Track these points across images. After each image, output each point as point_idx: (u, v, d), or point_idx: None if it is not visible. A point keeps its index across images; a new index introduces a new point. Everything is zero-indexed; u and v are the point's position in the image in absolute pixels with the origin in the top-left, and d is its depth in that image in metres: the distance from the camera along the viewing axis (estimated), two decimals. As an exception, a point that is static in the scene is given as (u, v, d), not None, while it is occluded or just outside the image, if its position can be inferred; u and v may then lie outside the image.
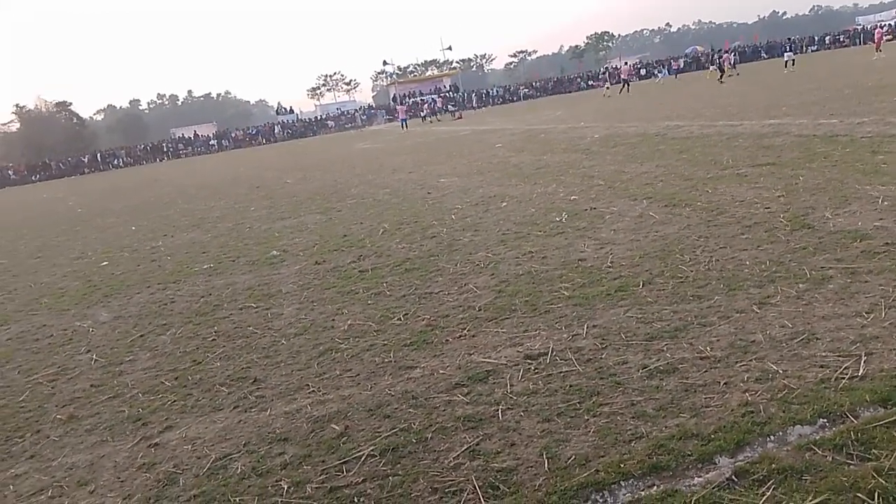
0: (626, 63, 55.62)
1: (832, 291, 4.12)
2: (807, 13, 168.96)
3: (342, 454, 3.15)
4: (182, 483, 3.15)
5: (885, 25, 65.40)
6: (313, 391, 3.94)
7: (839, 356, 3.29)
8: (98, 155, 71.89)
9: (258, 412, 3.78)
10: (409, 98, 72.26)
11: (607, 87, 46.71)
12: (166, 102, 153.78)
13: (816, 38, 73.68)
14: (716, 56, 50.66)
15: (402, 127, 44.50)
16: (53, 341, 5.96)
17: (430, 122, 50.50)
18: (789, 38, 59.10)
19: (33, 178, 65.78)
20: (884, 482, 2.30)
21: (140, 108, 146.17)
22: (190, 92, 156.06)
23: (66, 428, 4.02)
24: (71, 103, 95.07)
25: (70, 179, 57.37)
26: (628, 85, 43.60)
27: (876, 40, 39.05)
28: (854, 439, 2.58)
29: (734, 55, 50.49)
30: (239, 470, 3.17)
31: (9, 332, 6.50)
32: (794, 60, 37.80)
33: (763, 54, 72.76)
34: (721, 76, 36.54)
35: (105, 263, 9.54)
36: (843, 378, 3.07)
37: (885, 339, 3.38)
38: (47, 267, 10.13)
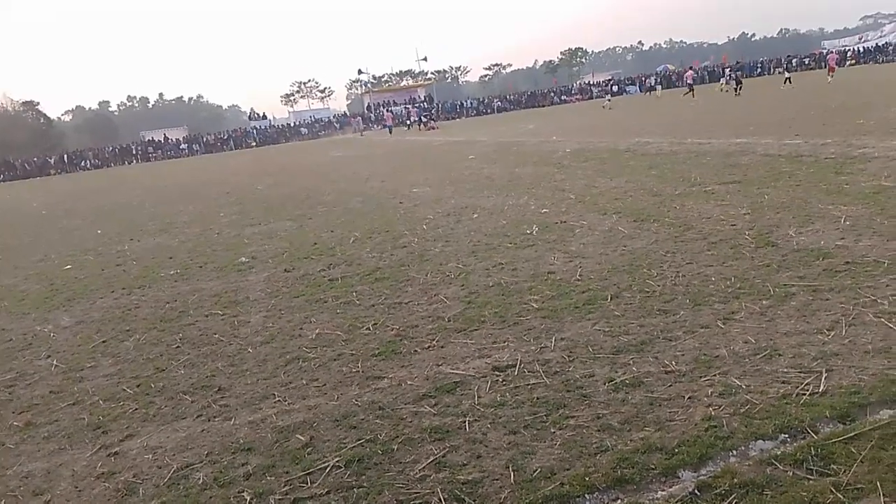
0: (690, 68, 55.20)
1: (795, 308, 4.20)
2: (775, 35, 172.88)
3: (307, 465, 3.12)
4: (142, 493, 3.09)
5: (847, 49, 67.12)
6: (279, 401, 3.90)
7: (801, 372, 3.35)
8: (65, 156, 70.54)
9: (222, 421, 3.73)
10: (386, 108, 72.33)
11: (608, 99, 47.17)
12: (136, 105, 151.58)
13: (783, 60, 75.41)
14: (727, 71, 50.86)
15: (389, 132, 48.42)
16: (12, 346, 5.81)
17: (410, 129, 51.55)
18: (788, 56, 59.63)
19: (-3, 178, 64.29)
20: (842, 497, 2.34)
21: (110, 109, 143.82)
22: (161, 95, 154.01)
23: (22, 435, 3.91)
24: (38, 103, 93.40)
25: (36, 180, 56.21)
26: (693, 89, 42.79)
27: (829, 66, 40.15)
28: (814, 454, 2.62)
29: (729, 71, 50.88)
30: (201, 480, 3.12)
31: (-35, 336, 6.32)
32: (789, 78, 38.18)
33: (731, 75, 74.17)
34: (738, 89, 36.27)
35: (68, 267, 9.35)
36: (805, 394, 3.12)
37: (845, 356, 3.45)
38: (8, 269, 9.89)
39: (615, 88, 76.67)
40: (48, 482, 3.32)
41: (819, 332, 3.79)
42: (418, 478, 2.89)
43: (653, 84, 65.09)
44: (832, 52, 57.66)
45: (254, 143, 69.92)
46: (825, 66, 44.26)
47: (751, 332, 3.93)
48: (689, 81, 44.24)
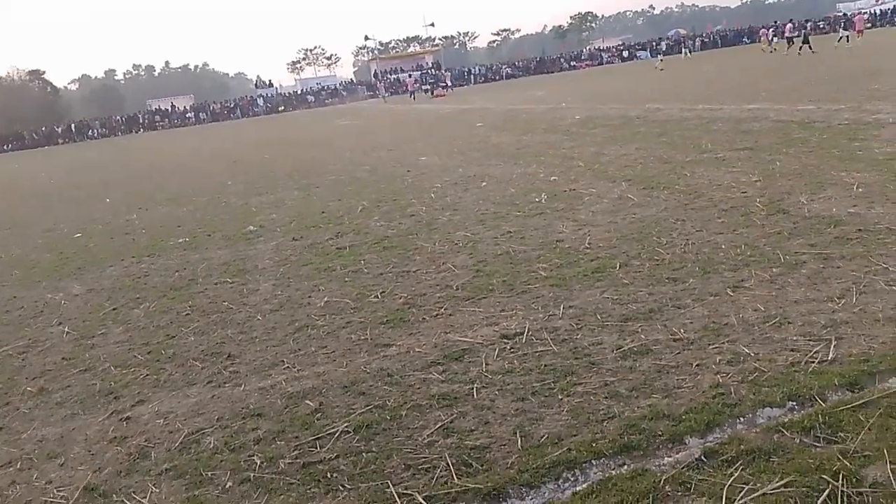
0: (790, 20, 49.93)
1: (805, 276, 4.17)
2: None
3: (316, 430, 3.15)
4: (154, 457, 3.13)
5: (864, 12, 65.41)
6: (288, 367, 3.92)
7: (810, 340, 3.34)
8: (72, 126, 70.42)
9: (232, 388, 3.76)
10: (408, 73, 71.61)
11: (660, 59, 44.10)
12: (142, 73, 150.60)
13: (797, 24, 74.07)
14: (771, 30, 47.13)
15: (411, 97, 48.89)
16: (24, 313, 5.87)
17: (430, 96, 50.29)
18: (844, 14, 54.73)
19: (5, 147, 64.39)
20: (849, 464, 2.34)
21: (116, 78, 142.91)
22: (167, 63, 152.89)
23: (36, 401, 3.97)
24: (44, 72, 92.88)
25: (43, 150, 56.25)
26: (791, 42, 38.20)
27: (857, 28, 38.64)
28: (822, 422, 2.62)
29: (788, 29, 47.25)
30: (212, 445, 3.16)
31: (-22, 304, 6.38)
32: (848, 37, 35.99)
33: (745, 39, 73.00)
34: (805, 46, 33.10)
35: (78, 236, 9.40)
36: (814, 362, 3.11)
37: (854, 325, 3.43)
38: (18, 239, 9.95)
39: (626, 54, 75.55)
40: (62, 446, 3.37)
41: (829, 300, 3.77)
42: (426, 443, 2.92)
43: (681, 47, 61.87)
44: (857, 12, 53.99)
45: (245, 114, 69.33)
46: (841, 29, 42.17)
47: (760, 300, 3.91)
48: (787, 35, 39.39)
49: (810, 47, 33.21)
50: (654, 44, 74.31)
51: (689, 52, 55.86)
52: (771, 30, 46.57)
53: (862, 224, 4.99)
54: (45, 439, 3.48)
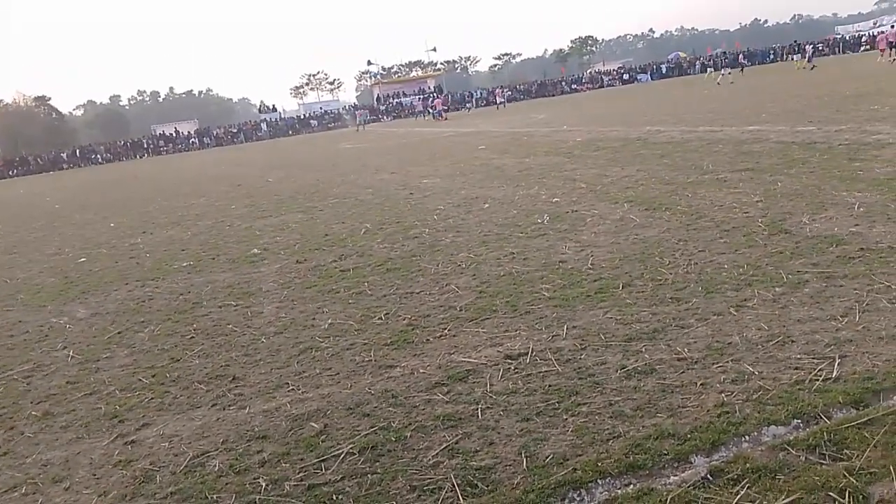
0: (892, 27, 44.08)
1: (808, 295, 4.18)
2: (788, 21, 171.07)
3: (321, 452, 3.15)
4: (159, 480, 3.13)
5: (863, 34, 65.52)
6: (293, 389, 3.93)
7: (814, 358, 3.34)
8: (77, 151, 70.97)
9: (237, 410, 3.76)
10: (438, 95, 72.49)
11: (722, 74, 41.33)
12: (147, 99, 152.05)
13: (797, 47, 74.65)
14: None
15: (438, 118, 49.97)
16: (29, 337, 5.88)
17: (444, 119, 49.97)
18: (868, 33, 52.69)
19: (10, 172, 64.83)
20: (855, 481, 2.34)
21: (120, 103, 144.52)
22: (171, 88, 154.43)
23: (41, 424, 3.97)
24: (50, 98, 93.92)
25: (48, 175, 56.64)
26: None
27: (880, 47, 37.78)
28: (827, 440, 2.62)
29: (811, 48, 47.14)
30: (217, 467, 3.15)
31: (-17, 328, 6.40)
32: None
33: (744, 61, 73.60)
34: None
35: (83, 260, 9.43)
36: (818, 380, 3.12)
37: (858, 342, 3.44)
38: (23, 262, 9.99)
39: (626, 76, 76.15)
40: (67, 470, 3.37)
41: (832, 319, 3.78)
42: (431, 464, 2.92)
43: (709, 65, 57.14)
44: (884, 31, 50.25)
45: (249, 138, 69.78)
46: (840, 52, 41.94)
47: (764, 319, 3.92)
48: (891, 40, 36.59)
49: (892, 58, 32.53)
50: (653, 67, 75.04)
51: (712, 71, 49.57)
52: (809, 46, 46.77)
53: (864, 243, 5.01)
54: (49, 463, 3.48)
